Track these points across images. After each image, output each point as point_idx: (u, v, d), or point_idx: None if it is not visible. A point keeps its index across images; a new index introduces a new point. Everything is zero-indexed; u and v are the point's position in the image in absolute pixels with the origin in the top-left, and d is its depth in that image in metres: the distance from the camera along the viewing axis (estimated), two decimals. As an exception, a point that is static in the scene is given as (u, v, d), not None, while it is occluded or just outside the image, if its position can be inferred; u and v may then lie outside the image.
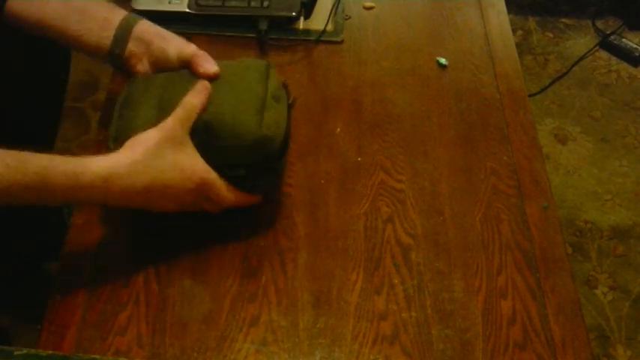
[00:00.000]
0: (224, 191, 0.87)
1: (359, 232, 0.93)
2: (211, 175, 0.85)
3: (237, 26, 1.19)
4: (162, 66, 0.94)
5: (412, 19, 1.26)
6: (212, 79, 0.89)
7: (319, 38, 1.18)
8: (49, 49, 1.10)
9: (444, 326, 0.85)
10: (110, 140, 0.87)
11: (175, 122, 0.83)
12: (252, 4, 1.17)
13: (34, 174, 0.74)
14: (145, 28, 0.94)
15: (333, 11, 1.22)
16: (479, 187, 1.00)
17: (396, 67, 1.17)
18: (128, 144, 0.82)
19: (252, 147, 0.86)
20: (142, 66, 0.95)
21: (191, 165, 0.84)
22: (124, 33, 0.93)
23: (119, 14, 0.94)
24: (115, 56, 0.94)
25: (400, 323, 0.85)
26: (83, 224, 0.91)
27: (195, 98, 0.85)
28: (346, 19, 1.24)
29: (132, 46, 0.94)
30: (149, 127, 0.84)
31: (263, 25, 1.16)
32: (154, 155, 0.81)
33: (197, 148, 0.85)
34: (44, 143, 1.20)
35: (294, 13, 1.18)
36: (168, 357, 0.80)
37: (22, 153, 0.75)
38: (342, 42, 1.20)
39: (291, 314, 0.84)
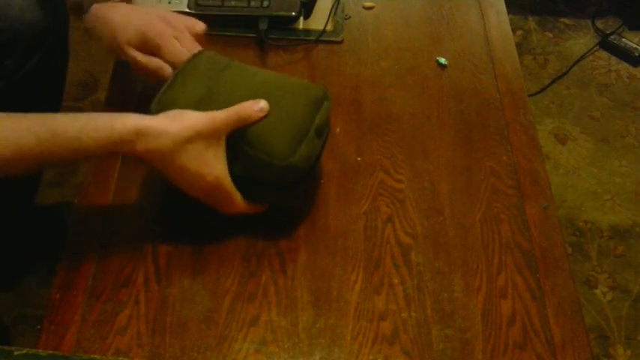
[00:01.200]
0: (234, 199, 0.87)
1: (359, 232, 0.93)
2: (227, 180, 0.85)
3: (237, 26, 1.19)
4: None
5: (412, 19, 1.27)
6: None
7: (319, 38, 1.18)
8: (47, 46, 1.10)
9: (444, 326, 0.85)
10: (153, 103, 0.88)
11: (224, 121, 0.84)
12: (252, 4, 1.17)
13: (68, 143, 0.77)
14: (90, 17, 0.99)
15: (333, 11, 1.22)
16: (479, 187, 1.00)
17: (396, 67, 1.17)
18: (171, 113, 0.84)
19: (278, 169, 0.86)
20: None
21: (213, 164, 0.84)
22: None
23: None
24: None
25: (400, 323, 0.85)
26: (83, 224, 0.91)
27: (254, 109, 0.85)
28: (346, 19, 1.24)
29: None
30: (188, 105, 0.86)
31: (263, 25, 1.16)
32: (186, 139, 0.81)
33: (227, 149, 0.86)
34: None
35: (293, 13, 1.18)
36: (167, 357, 0.80)
37: (51, 119, 0.79)
38: (341, 42, 1.20)
39: (291, 314, 0.84)
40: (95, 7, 0.99)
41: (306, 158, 0.87)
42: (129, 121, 0.80)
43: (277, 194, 0.91)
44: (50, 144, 0.76)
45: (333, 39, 1.20)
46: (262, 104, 0.86)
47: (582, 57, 2.59)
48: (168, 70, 0.96)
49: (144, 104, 1.06)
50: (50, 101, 1.21)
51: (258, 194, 0.90)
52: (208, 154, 0.83)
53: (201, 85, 0.89)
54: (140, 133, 0.79)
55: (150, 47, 0.97)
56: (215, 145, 0.84)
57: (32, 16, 1.05)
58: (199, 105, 0.86)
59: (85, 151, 0.78)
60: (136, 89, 1.09)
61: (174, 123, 0.82)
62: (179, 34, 0.98)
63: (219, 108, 0.85)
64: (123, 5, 1.01)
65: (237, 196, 0.88)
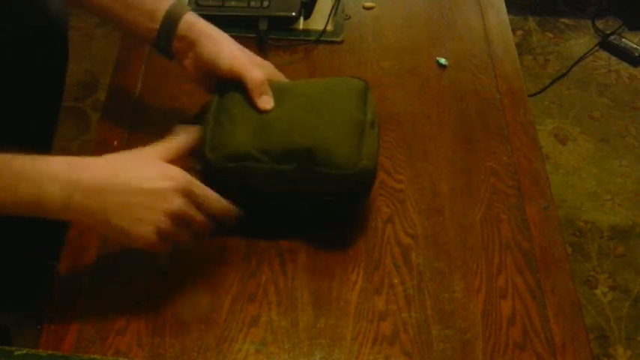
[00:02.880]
0: (211, 192, 0.82)
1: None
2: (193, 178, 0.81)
3: (237, 26, 1.19)
4: (212, 71, 0.91)
5: (412, 19, 1.27)
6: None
7: (319, 38, 1.18)
8: (46, 46, 1.10)
9: (444, 326, 0.85)
10: (206, 149, 0.84)
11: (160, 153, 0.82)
12: (252, 4, 1.17)
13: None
14: (190, 25, 0.91)
15: (333, 11, 1.22)
16: (479, 187, 1.00)
17: (396, 67, 1.17)
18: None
19: (349, 177, 0.84)
20: (189, 61, 0.93)
21: (172, 168, 0.80)
22: (168, 29, 0.91)
23: (165, 3, 0.92)
24: (163, 50, 0.94)
25: (400, 323, 0.85)
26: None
27: (182, 142, 0.84)
28: (346, 19, 1.24)
29: (177, 44, 0.92)
30: (245, 142, 0.83)
31: (263, 25, 1.16)
32: (134, 158, 0.80)
33: (293, 173, 0.84)
34: (43, 142, 1.20)
35: (294, 13, 1.18)
36: (168, 357, 0.80)
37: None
38: (342, 42, 1.20)
39: (291, 314, 0.84)
40: (189, 16, 0.92)
41: (372, 155, 0.86)
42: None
43: (349, 206, 0.92)
44: None
45: (334, 39, 1.20)
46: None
47: (582, 57, 2.59)
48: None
49: (142, 104, 1.07)
50: (50, 101, 1.21)
51: (327, 209, 0.90)
52: (164, 165, 0.80)
53: (248, 117, 0.87)
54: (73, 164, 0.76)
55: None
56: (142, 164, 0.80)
57: (31, 14, 1.05)
58: (256, 139, 0.84)
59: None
60: (136, 89, 1.09)
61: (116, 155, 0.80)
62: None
63: (277, 136, 0.84)
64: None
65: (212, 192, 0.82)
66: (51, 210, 0.75)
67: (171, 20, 0.91)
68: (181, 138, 0.85)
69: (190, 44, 0.91)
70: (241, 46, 0.92)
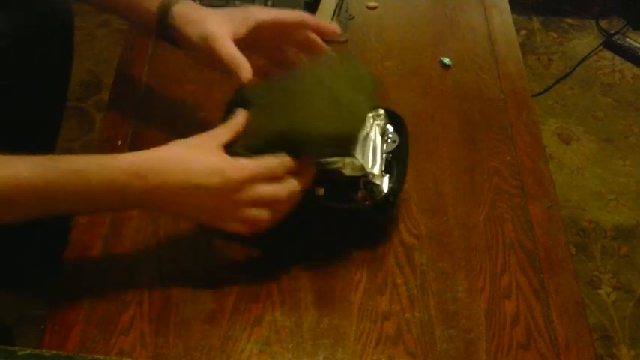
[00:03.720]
0: (262, 163, 0.79)
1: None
2: (256, 162, 0.79)
3: (240, 26, 1.19)
4: (209, 56, 0.89)
5: (415, 19, 1.26)
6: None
7: (322, 38, 1.18)
8: (51, 46, 1.10)
9: (448, 326, 0.85)
10: (240, 149, 0.83)
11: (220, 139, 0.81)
12: (255, 4, 1.17)
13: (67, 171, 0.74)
14: (177, 16, 0.90)
15: (337, 11, 1.21)
16: (482, 187, 1.00)
17: (400, 67, 1.17)
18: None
19: (330, 139, 0.84)
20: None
21: (229, 161, 0.79)
22: (163, 23, 0.91)
23: None
24: (169, 40, 0.94)
25: (404, 323, 0.85)
26: (86, 224, 0.91)
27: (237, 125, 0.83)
28: (350, 19, 1.24)
29: (175, 35, 0.92)
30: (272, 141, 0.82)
31: (266, 25, 1.16)
32: (190, 151, 0.79)
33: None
34: (47, 142, 1.20)
35: (297, 13, 1.18)
36: (171, 357, 0.80)
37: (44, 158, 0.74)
38: (345, 42, 1.20)
39: (295, 314, 0.84)
40: (180, 6, 0.91)
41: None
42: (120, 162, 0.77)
43: (383, 214, 0.93)
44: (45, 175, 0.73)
45: (337, 39, 1.20)
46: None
47: (586, 57, 2.59)
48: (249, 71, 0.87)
49: (146, 103, 1.07)
50: (55, 100, 1.21)
51: (361, 218, 0.91)
52: (219, 159, 0.79)
53: (272, 119, 0.86)
54: (138, 170, 0.76)
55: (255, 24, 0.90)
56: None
57: (36, 13, 1.05)
58: (280, 142, 0.83)
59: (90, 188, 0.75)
60: (139, 89, 1.09)
61: (174, 147, 0.80)
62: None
63: (303, 139, 0.82)
64: (202, 7, 0.94)
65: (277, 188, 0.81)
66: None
67: (163, 14, 0.91)
68: (236, 121, 0.84)
69: (181, 36, 0.91)
70: (226, 14, 0.90)
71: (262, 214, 0.80)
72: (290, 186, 0.81)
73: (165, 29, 0.92)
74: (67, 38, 1.15)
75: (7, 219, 0.75)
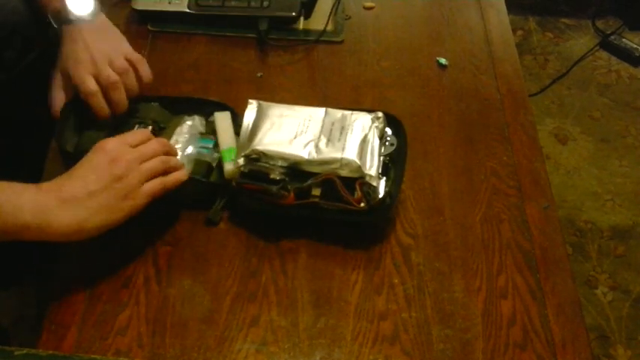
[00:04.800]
0: (135, 135, 0.87)
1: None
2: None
3: (237, 26, 1.19)
4: None
5: (412, 19, 1.26)
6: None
7: (319, 38, 1.18)
8: (46, 41, 1.10)
9: (444, 326, 0.85)
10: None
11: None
12: (252, 4, 1.17)
13: None
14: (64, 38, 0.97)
15: (333, 11, 1.22)
16: (479, 187, 1.00)
17: (396, 67, 1.17)
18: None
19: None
20: None
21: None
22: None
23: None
24: None
25: (400, 323, 0.85)
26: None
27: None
28: (346, 19, 1.24)
29: None
30: None
31: (263, 25, 1.16)
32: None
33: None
34: (42, 140, 1.20)
35: (294, 13, 1.18)
36: (168, 357, 0.80)
37: None
38: (342, 42, 1.20)
39: (291, 314, 0.84)
40: (67, 30, 0.97)
41: None
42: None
43: (380, 218, 0.93)
44: None
45: (334, 39, 1.20)
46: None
47: (583, 57, 2.60)
48: (106, 111, 0.95)
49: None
50: (44, 99, 1.21)
51: (356, 219, 0.91)
52: None
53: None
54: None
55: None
56: None
57: (30, 8, 1.05)
58: None
59: None
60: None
61: None
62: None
63: None
64: (88, 29, 0.99)
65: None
66: (32, 236, 0.77)
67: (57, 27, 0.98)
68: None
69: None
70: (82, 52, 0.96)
71: (150, 164, 0.84)
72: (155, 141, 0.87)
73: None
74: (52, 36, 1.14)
75: None
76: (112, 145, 0.83)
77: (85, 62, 0.94)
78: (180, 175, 0.86)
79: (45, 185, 0.79)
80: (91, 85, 0.93)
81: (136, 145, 0.85)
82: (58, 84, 0.97)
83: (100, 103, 0.94)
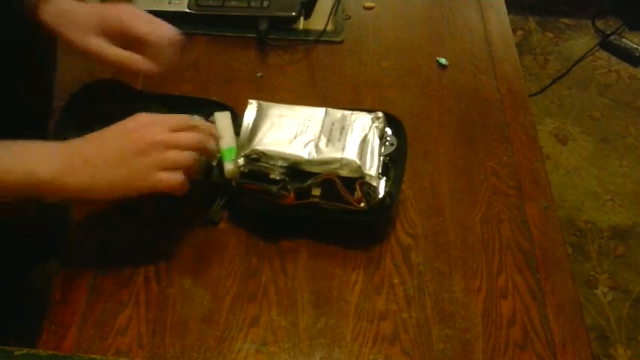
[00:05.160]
0: (177, 119, 0.84)
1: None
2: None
3: (237, 26, 1.19)
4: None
5: (412, 19, 1.26)
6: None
7: (319, 38, 1.18)
8: (35, 43, 1.10)
9: (444, 326, 0.85)
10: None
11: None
12: (252, 4, 1.17)
13: None
14: (46, 15, 0.92)
15: (333, 11, 1.22)
16: (479, 187, 1.00)
17: (396, 67, 1.17)
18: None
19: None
20: None
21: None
22: (32, 16, 0.93)
23: None
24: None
25: (400, 323, 0.85)
26: (83, 224, 0.91)
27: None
28: (346, 19, 1.24)
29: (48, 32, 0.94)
30: None
31: (263, 25, 1.16)
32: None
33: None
34: (37, 135, 1.20)
35: (294, 13, 1.18)
36: (168, 357, 0.80)
37: None
38: (342, 42, 1.20)
39: (291, 314, 0.84)
40: (45, 5, 0.92)
41: None
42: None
43: (380, 218, 0.92)
44: None
45: (334, 39, 1.20)
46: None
47: (583, 57, 2.60)
48: (141, 62, 0.92)
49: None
50: (40, 98, 1.21)
51: (356, 219, 0.91)
52: None
53: None
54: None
55: (114, 33, 0.92)
56: None
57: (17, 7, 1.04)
58: None
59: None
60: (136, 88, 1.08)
61: None
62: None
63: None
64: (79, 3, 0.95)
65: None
66: (45, 192, 0.78)
67: (30, 10, 0.92)
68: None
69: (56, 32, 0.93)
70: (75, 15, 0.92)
71: (171, 155, 0.81)
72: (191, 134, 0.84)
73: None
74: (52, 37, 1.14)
75: None
76: (147, 120, 0.82)
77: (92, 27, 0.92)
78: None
79: (66, 142, 0.80)
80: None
81: (175, 130, 0.82)
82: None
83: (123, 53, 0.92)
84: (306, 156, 0.89)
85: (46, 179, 0.77)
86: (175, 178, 0.80)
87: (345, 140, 0.91)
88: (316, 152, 0.89)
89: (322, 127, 0.93)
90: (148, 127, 0.81)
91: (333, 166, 0.88)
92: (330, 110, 0.96)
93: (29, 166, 0.77)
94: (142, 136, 0.80)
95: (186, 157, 0.82)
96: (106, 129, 0.81)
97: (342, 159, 0.88)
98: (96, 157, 0.79)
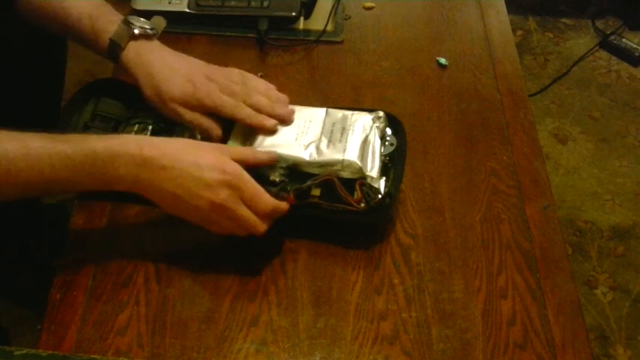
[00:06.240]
0: (260, 190, 0.83)
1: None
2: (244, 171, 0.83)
3: (237, 26, 1.19)
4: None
5: (412, 19, 1.26)
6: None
7: (319, 38, 1.18)
8: (46, 45, 1.10)
9: (444, 326, 0.85)
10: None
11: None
12: (252, 4, 1.17)
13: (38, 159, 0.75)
14: (129, 58, 0.93)
15: (333, 11, 1.22)
16: (479, 187, 1.00)
17: (396, 67, 1.17)
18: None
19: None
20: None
21: (228, 162, 0.83)
22: (114, 60, 0.94)
23: (105, 35, 0.93)
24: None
25: (400, 323, 0.85)
26: (83, 224, 0.91)
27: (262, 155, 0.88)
28: (346, 19, 1.24)
29: (125, 76, 0.95)
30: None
31: (263, 25, 1.16)
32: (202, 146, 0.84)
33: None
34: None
35: (294, 13, 1.18)
36: (168, 357, 0.80)
37: (24, 134, 0.76)
38: (342, 42, 1.20)
39: (291, 314, 0.84)
40: (132, 47, 0.93)
41: None
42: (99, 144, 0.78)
43: (379, 216, 0.92)
44: (21, 160, 0.74)
45: (334, 39, 1.20)
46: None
47: (582, 57, 2.60)
48: (217, 129, 0.93)
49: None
50: (49, 99, 1.21)
51: (353, 218, 0.90)
52: (211, 150, 0.83)
53: None
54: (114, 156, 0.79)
55: (199, 106, 0.93)
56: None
57: None
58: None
59: (58, 173, 0.76)
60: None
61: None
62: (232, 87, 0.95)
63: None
64: (160, 47, 0.97)
65: (262, 190, 0.84)
66: (121, 187, 0.80)
67: (113, 55, 0.94)
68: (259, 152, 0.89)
69: (132, 78, 0.94)
70: (174, 73, 0.93)
71: (223, 221, 0.82)
72: (253, 220, 0.84)
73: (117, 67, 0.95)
74: (61, 38, 1.14)
75: (10, 193, 0.76)
76: (232, 179, 0.82)
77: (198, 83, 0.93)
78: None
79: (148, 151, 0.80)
80: (232, 101, 0.94)
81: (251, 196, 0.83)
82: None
83: (248, 111, 0.93)
84: (307, 157, 0.89)
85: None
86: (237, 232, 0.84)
87: (346, 141, 0.91)
88: (317, 154, 0.89)
89: (323, 128, 0.93)
90: (228, 194, 0.81)
91: (335, 167, 0.88)
92: (331, 110, 0.96)
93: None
94: (206, 193, 0.81)
95: (230, 228, 0.84)
96: (193, 170, 0.81)
97: (343, 160, 0.88)
98: (169, 194, 0.81)
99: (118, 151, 0.78)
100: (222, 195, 0.80)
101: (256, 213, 0.83)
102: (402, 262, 0.91)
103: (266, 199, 0.83)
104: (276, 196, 0.87)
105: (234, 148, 0.90)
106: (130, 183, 0.80)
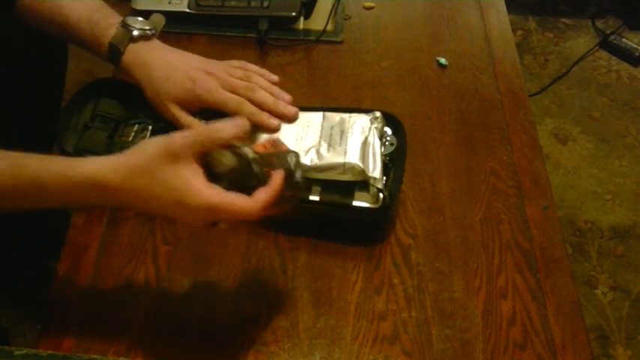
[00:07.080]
0: (238, 205, 0.72)
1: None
2: (220, 196, 0.71)
3: (237, 26, 1.19)
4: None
5: (412, 19, 1.26)
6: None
7: (319, 38, 1.18)
8: (46, 46, 1.10)
9: (444, 326, 0.85)
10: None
11: (184, 141, 0.71)
12: (252, 4, 1.17)
13: (28, 177, 0.71)
14: (129, 60, 0.93)
15: (333, 11, 1.22)
16: (479, 187, 1.00)
17: (396, 67, 1.17)
18: (129, 150, 0.73)
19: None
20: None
21: (193, 189, 0.71)
22: (114, 62, 0.94)
23: (104, 39, 0.93)
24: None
25: (400, 323, 0.85)
26: (83, 224, 0.91)
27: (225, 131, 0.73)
28: (346, 19, 1.24)
29: (125, 76, 0.95)
30: None
31: (263, 25, 1.16)
32: (153, 167, 0.71)
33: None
34: (41, 142, 1.20)
35: (294, 13, 1.18)
36: (168, 357, 0.80)
37: (13, 156, 0.72)
38: (342, 42, 1.20)
39: (291, 314, 0.84)
40: (132, 50, 0.92)
41: None
42: (84, 169, 0.71)
43: (383, 218, 0.92)
44: (9, 178, 0.70)
45: (334, 39, 1.20)
46: (241, 123, 0.74)
47: (582, 57, 2.60)
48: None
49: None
50: (50, 100, 1.21)
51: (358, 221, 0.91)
52: (182, 179, 0.71)
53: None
54: (98, 177, 0.71)
55: (200, 103, 0.91)
56: (184, 166, 0.71)
57: None
58: None
59: (50, 193, 0.72)
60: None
61: (136, 154, 0.72)
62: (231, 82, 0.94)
63: None
64: (159, 47, 0.96)
65: (242, 198, 0.72)
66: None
67: (114, 56, 0.93)
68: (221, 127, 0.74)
69: (134, 79, 0.94)
70: (174, 72, 0.92)
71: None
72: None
73: (118, 69, 0.95)
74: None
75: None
76: (219, 213, 0.72)
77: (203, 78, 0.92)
78: None
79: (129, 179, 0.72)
80: (234, 97, 0.92)
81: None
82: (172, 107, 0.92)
83: (251, 108, 0.91)
84: (308, 163, 0.89)
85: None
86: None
87: (346, 144, 0.91)
88: (318, 158, 0.89)
89: (321, 131, 0.93)
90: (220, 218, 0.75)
91: (337, 171, 0.88)
92: (328, 114, 0.96)
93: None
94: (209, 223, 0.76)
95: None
96: (183, 192, 0.71)
97: (345, 164, 0.88)
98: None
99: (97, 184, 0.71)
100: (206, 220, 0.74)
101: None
102: (402, 262, 0.91)
103: (246, 212, 0.73)
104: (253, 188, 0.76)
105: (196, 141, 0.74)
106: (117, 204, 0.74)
